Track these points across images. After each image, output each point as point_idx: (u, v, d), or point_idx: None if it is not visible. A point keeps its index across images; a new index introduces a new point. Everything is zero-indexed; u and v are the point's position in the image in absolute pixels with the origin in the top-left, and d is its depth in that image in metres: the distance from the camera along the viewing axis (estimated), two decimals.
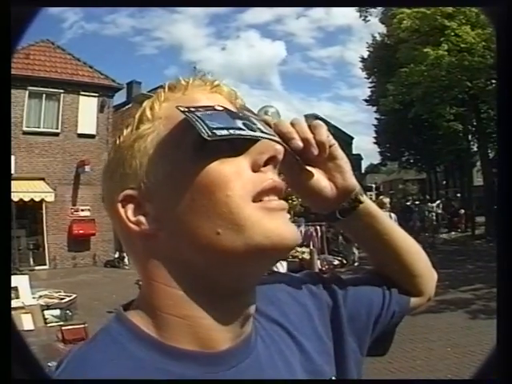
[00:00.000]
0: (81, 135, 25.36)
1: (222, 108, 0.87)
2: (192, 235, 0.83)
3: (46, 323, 10.54)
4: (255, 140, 0.85)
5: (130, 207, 0.87)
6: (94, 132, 25.86)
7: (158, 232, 0.85)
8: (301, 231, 14.03)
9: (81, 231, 24.42)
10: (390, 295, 1.19)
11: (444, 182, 53.35)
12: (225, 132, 0.80)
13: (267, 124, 0.96)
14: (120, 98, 29.97)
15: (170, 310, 0.86)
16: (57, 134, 24.73)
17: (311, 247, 14.10)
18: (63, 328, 8.50)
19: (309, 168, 1.03)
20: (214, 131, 0.79)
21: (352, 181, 1.08)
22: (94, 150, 25.41)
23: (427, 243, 21.18)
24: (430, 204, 31.96)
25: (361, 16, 32.37)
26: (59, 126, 24.83)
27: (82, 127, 25.32)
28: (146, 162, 0.87)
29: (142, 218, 0.86)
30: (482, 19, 22.43)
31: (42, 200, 22.73)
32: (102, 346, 0.85)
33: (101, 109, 26.12)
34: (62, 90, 24.83)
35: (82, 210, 24.77)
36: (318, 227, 16.03)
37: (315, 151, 0.99)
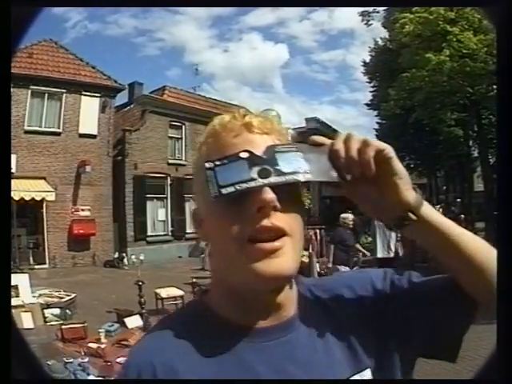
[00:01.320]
0: (82, 135, 25.35)
1: (246, 155, 1.05)
2: (219, 256, 1.13)
3: (45, 322, 10.58)
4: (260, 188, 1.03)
5: (196, 219, 1.20)
6: (95, 132, 25.88)
7: (206, 241, 1.20)
8: None
9: (81, 231, 24.42)
10: (455, 305, 1.18)
11: (444, 187, 53.18)
12: (231, 189, 1.02)
13: (317, 143, 1.10)
14: (122, 98, 30.04)
15: (225, 295, 1.15)
16: (58, 134, 24.70)
17: (310, 250, 14.00)
18: (63, 327, 8.53)
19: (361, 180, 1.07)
20: (221, 189, 1.02)
21: (404, 197, 1.09)
22: (95, 151, 25.50)
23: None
24: None
25: (363, 20, 32.17)
26: (61, 126, 24.82)
27: (84, 127, 25.32)
28: (197, 188, 1.17)
29: (198, 230, 1.19)
30: (484, 25, 22.37)
31: (43, 199, 22.70)
32: (178, 315, 1.28)
33: (102, 109, 26.15)
34: (64, 90, 24.82)
35: (83, 210, 24.80)
36: (318, 231, 15.88)
37: (357, 171, 1.04)
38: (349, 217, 11.80)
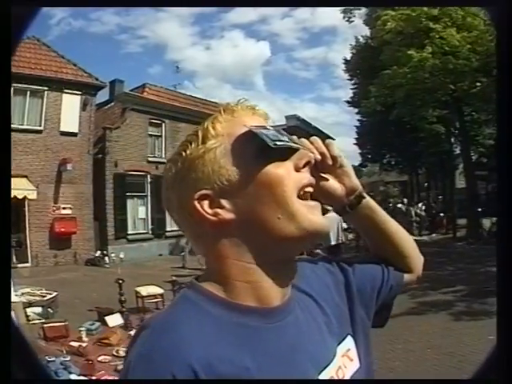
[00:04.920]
0: (63, 133, 25.13)
1: (271, 127, 1.20)
2: (259, 220, 1.15)
3: (28, 320, 10.54)
4: (295, 149, 1.20)
5: (206, 203, 1.16)
6: (76, 130, 25.65)
7: (232, 220, 1.15)
8: None
9: (62, 229, 24.21)
10: (388, 272, 1.53)
11: (426, 185, 53.33)
12: (281, 143, 1.15)
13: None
14: (103, 96, 29.89)
15: (239, 278, 1.16)
16: (40, 132, 24.46)
17: None
18: (45, 325, 8.48)
19: (324, 175, 1.39)
20: (276, 142, 1.14)
21: (356, 182, 1.46)
22: (75, 148, 25.33)
23: None
24: (410, 207, 32.12)
25: (345, 17, 32.20)
26: (42, 124, 24.59)
27: (65, 125, 25.10)
28: (217, 168, 1.16)
29: (219, 210, 1.15)
30: (467, 22, 22.46)
31: (25, 197, 22.45)
32: (183, 309, 1.13)
33: (83, 107, 25.95)
34: (46, 88, 24.60)
35: (64, 208, 24.57)
36: None
37: (330, 162, 1.35)
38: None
